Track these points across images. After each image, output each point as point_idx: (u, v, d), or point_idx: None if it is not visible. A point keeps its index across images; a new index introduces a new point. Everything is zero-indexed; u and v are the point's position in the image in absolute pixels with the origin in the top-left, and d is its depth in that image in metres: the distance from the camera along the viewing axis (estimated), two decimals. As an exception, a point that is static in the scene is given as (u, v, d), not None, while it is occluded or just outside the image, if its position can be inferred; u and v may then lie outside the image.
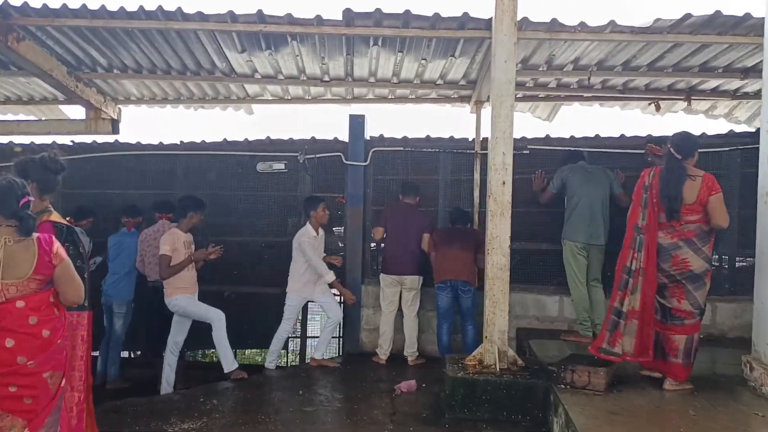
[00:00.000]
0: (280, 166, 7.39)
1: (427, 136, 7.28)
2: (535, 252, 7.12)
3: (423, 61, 6.29)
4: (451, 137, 7.27)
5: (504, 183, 5.10)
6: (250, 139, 7.54)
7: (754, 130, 7.52)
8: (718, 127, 8.43)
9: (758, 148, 6.54)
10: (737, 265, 6.80)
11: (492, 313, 5.12)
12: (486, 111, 7.39)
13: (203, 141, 7.68)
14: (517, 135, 7.05)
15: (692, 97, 6.96)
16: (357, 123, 7.25)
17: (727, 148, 6.68)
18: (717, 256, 6.78)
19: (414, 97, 7.57)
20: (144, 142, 7.83)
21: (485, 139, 7.14)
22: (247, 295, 7.59)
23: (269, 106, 8.12)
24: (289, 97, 7.79)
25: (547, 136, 7.10)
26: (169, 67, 6.66)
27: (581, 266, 6.26)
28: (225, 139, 7.56)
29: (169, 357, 6.12)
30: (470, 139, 7.24)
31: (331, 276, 6.48)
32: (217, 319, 6.06)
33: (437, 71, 6.62)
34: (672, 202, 4.45)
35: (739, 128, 7.59)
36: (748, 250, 6.70)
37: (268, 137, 7.51)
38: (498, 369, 5.01)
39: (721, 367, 5.32)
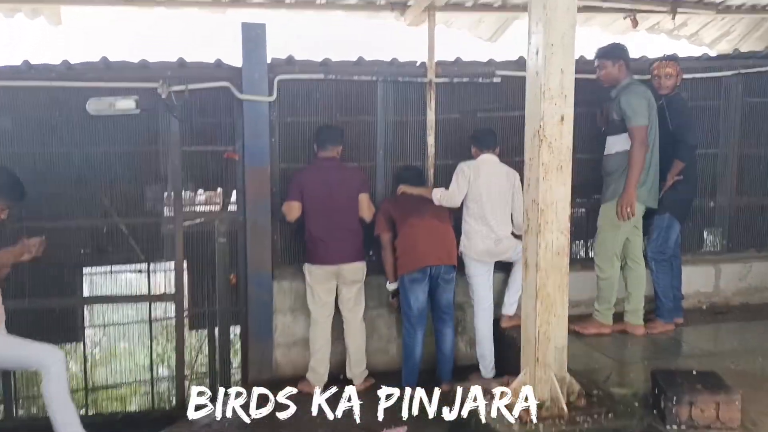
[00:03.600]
0: (128, 104, 4.52)
1: (360, 59, 4.95)
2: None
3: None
4: (394, 60, 4.99)
5: (563, 119, 3.24)
6: (72, 61, 4.56)
7: (717, 53, 6.42)
8: (679, 48, 7.28)
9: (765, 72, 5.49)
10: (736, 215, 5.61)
11: (545, 322, 3.33)
12: (442, 26, 5.31)
13: (-16, 65, 4.55)
14: (450, 57, 5.20)
15: (678, 9, 5.54)
16: (254, 36, 4.63)
17: (729, 73, 5.37)
18: (713, 205, 5.55)
19: (324, 2, 5.21)
20: None
21: (440, 63, 5.09)
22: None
23: (88, 12, 5.20)
24: (127, -3, 4.99)
25: (521, 58, 5.15)
26: None
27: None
28: (26, 62, 4.50)
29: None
30: (418, 63, 5.07)
31: None
32: (51, 363, 3.51)
33: (385, -45, 4.38)
34: None
35: (701, 51, 6.37)
36: (749, 198, 5.62)
37: (105, 58, 4.58)
38: (565, 409, 3.28)
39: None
